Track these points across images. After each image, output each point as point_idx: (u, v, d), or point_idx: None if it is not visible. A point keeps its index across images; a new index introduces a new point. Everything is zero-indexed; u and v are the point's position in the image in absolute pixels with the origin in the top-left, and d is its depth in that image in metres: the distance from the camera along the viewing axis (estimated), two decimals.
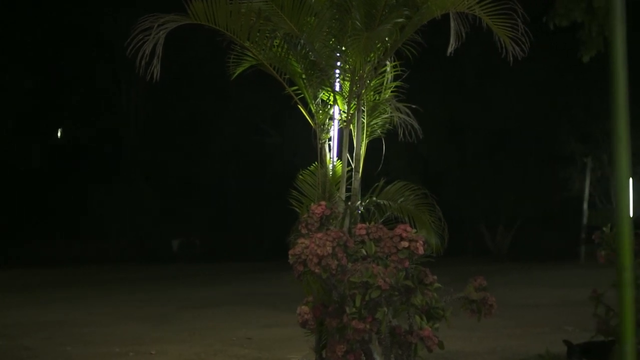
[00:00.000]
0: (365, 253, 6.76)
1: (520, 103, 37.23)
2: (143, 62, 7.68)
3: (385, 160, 8.88)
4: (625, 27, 2.53)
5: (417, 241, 6.43)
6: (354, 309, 6.34)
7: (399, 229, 6.47)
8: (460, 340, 11.99)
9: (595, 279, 25.05)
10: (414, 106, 9.03)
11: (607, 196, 36.90)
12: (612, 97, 2.34)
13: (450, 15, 8.26)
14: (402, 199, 8.42)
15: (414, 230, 6.58)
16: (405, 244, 6.40)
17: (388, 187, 8.47)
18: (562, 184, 37.11)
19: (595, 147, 36.28)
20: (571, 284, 23.21)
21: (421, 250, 6.43)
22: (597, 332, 7.56)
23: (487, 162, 39.55)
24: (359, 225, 7.01)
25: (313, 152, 8.60)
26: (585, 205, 35.38)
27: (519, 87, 37.09)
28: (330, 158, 8.58)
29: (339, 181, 8.42)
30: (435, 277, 6.56)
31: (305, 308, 6.78)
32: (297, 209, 8.52)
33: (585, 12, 21.77)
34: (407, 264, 6.43)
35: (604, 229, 7.53)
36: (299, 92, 8.63)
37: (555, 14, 21.04)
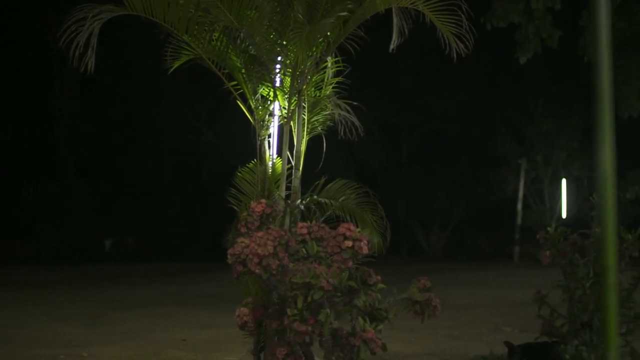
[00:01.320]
0: (306, 253, 6.55)
1: (455, 104, 37.49)
2: (76, 54, 7.37)
3: (324, 158, 8.69)
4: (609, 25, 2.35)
5: (361, 240, 6.23)
6: (295, 311, 6.12)
7: (343, 228, 6.27)
8: (399, 341, 11.84)
9: (529, 279, 25.26)
10: (355, 103, 8.89)
11: (541, 197, 37.30)
12: (595, 99, 2.14)
13: (393, 10, 8.10)
14: (343, 198, 8.23)
15: (358, 229, 6.39)
16: (349, 243, 6.20)
17: (329, 185, 8.27)
18: (496, 184, 37.41)
19: (530, 148, 36.65)
20: (506, 285, 23.33)
21: (365, 250, 6.24)
22: (542, 334, 7.44)
23: (422, 163, 39.72)
24: (300, 224, 6.79)
25: (252, 149, 8.36)
26: (519, 206, 35.70)
27: (454, 89, 37.34)
28: (269, 155, 8.36)
29: (279, 179, 8.21)
30: (379, 277, 6.37)
31: (244, 309, 6.55)
32: (235, 208, 8.28)
33: (522, 14, 21.89)
34: (350, 264, 6.23)
35: (549, 228, 7.42)
36: (239, 87, 8.38)
37: (493, 15, 21.10)
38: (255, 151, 8.30)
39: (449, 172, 38.74)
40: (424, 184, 38.61)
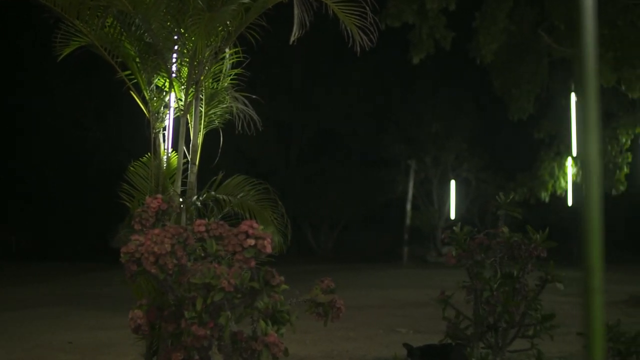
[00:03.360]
0: (204, 252, 6.17)
1: (346, 104, 37.47)
2: None
3: (213, 156, 8.33)
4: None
5: (264, 239, 5.88)
6: (193, 313, 5.73)
7: (245, 225, 5.90)
8: (294, 342, 11.44)
9: (419, 279, 25.31)
10: (254, 97, 8.57)
11: (430, 198, 37.60)
12: (581, 95, 1.87)
13: (295, 0, 7.79)
14: (242, 194, 7.88)
15: (261, 227, 6.04)
16: (251, 241, 5.84)
17: (227, 181, 7.91)
18: (386, 185, 37.57)
19: (419, 149, 36.91)
20: (397, 285, 23.33)
21: (269, 249, 5.89)
22: (447, 336, 7.23)
23: (312, 162, 39.61)
24: (198, 222, 6.39)
25: (146, 142, 7.94)
26: (408, 207, 35.87)
27: (345, 88, 37.34)
28: (164, 149, 7.95)
29: (174, 174, 7.81)
30: (282, 278, 6.03)
31: (138, 312, 6.11)
32: (128, 204, 7.84)
33: (416, 14, 21.92)
34: (253, 263, 5.88)
35: (455, 228, 7.21)
36: (133, 77, 7.94)
37: (387, 15, 21.06)
38: (149, 145, 7.89)
39: (339, 172, 38.73)
40: (314, 183, 38.51)
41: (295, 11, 7.88)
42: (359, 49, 7.88)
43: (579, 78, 1.94)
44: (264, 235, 5.93)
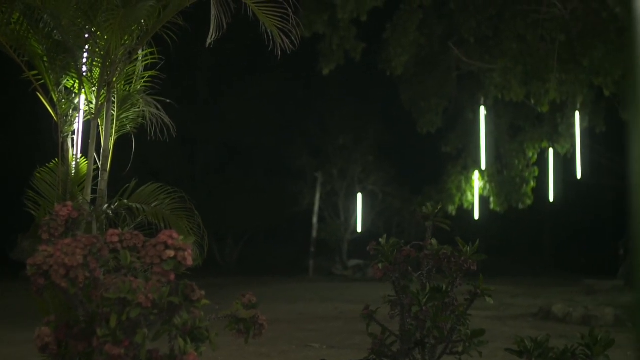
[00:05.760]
0: (117, 264, 5.72)
1: (252, 114, 37.06)
2: None
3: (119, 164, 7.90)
4: None
5: (185, 250, 5.46)
6: (106, 331, 5.28)
7: (164, 236, 5.48)
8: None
9: (326, 293, 25.01)
10: (168, 101, 8.19)
11: (336, 210, 37.46)
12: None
13: (212, 0, 7.42)
14: (156, 203, 7.45)
15: (181, 237, 5.62)
16: (171, 253, 5.42)
17: (141, 189, 7.47)
18: (292, 197, 37.27)
19: (326, 161, 36.76)
20: (305, 298, 23.00)
21: (190, 261, 5.47)
22: (372, 353, 6.92)
23: (217, 175, 39.10)
24: (111, 231, 5.93)
25: (54, 147, 7.45)
26: (315, 219, 35.64)
27: (252, 99, 36.98)
28: (73, 154, 7.47)
29: (84, 180, 7.34)
30: (203, 292, 5.63)
31: (45, 329, 5.62)
32: (33, 212, 7.32)
33: (327, 25, 21.74)
34: (173, 276, 5.45)
35: (380, 240, 6.91)
36: (40, 77, 7.44)
37: (297, 25, 20.82)
38: (57, 150, 7.40)
39: (245, 184, 38.25)
40: (219, 194, 37.90)
41: (213, 12, 7.52)
42: (279, 52, 7.60)
43: None
44: (184, 247, 5.51)
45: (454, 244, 6.88)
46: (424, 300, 6.53)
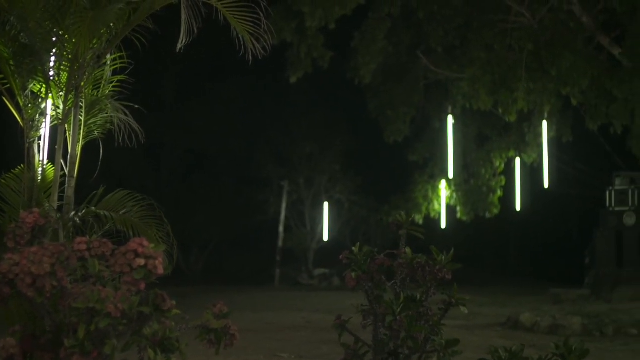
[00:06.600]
0: (85, 273, 5.57)
1: (218, 122, 36.82)
2: None
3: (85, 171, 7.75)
4: None
5: (155, 258, 5.33)
6: (74, 342, 5.13)
7: (134, 244, 5.34)
8: None
9: (292, 302, 24.86)
10: (136, 106, 8.04)
11: (302, 219, 37.33)
12: None
13: (182, 4, 7.29)
14: (125, 210, 7.30)
15: (152, 245, 5.48)
16: (141, 261, 5.28)
17: (109, 196, 7.32)
18: (258, 206, 37.08)
19: (293, 170, 36.63)
20: (271, 307, 22.85)
21: (161, 270, 5.35)
22: None
23: (182, 183, 38.85)
24: (78, 239, 5.77)
25: (20, 153, 7.28)
26: (281, 228, 35.47)
27: (218, 106, 36.77)
28: (39, 160, 7.30)
29: (50, 187, 7.17)
30: (174, 302, 5.50)
31: (10, 340, 5.46)
32: None
33: (294, 33, 21.66)
34: (143, 285, 5.32)
35: (354, 248, 6.80)
36: (6, 81, 7.27)
37: (264, 33, 20.72)
38: (22, 155, 7.23)
39: (211, 192, 38.00)
40: (184, 203, 37.59)
41: (183, 16, 7.39)
42: (251, 57, 7.50)
43: None
44: (155, 255, 5.38)
45: (426, 253, 6.78)
46: (398, 310, 6.43)
